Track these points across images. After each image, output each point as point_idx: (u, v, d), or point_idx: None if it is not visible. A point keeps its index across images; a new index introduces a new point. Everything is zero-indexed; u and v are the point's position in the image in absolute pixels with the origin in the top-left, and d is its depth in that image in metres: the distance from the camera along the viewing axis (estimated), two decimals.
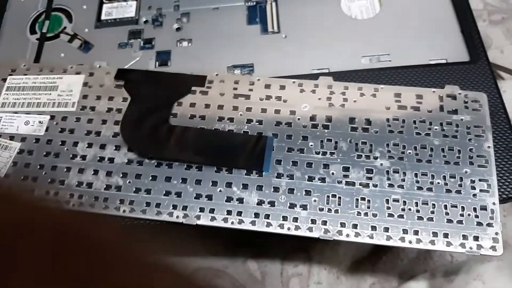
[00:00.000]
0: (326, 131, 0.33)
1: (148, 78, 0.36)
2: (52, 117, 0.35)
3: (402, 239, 0.29)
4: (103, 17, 0.43)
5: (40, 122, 0.35)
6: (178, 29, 0.41)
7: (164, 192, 0.31)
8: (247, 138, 0.33)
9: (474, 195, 0.30)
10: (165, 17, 0.42)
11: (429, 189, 0.30)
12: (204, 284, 0.18)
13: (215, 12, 0.42)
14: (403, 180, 0.31)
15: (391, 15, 0.41)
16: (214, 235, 0.36)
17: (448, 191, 0.30)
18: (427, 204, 0.30)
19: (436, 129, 0.32)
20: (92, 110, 0.35)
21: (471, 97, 0.33)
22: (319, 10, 0.41)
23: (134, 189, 0.32)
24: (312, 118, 0.33)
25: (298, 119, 0.33)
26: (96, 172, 0.33)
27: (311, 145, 0.32)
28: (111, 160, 0.33)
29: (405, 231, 0.29)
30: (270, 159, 0.32)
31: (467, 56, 0.38)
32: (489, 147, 0.32)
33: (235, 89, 0.35)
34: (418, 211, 0.30)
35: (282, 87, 0.35)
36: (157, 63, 0.40)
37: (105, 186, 0.32)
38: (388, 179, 0.31)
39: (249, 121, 0.34)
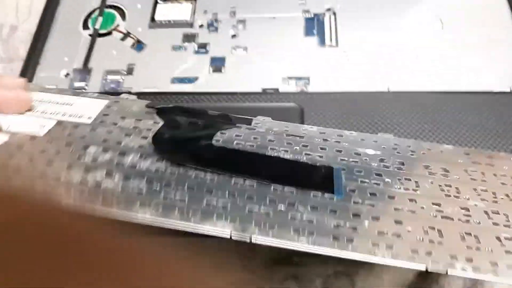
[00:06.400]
0: (400, 171, 0.29)
1: (188, 114, 0.31)
2: (59, 124, 0.30)
3: None
4: (157, 17, 0.42)
5: (42, 125, 0.29)
6: (233, 36, 0.40)
7: (205, 203, 0.25)
8: (312, 166, 0.28)
9: None
10: (221, 22, 0.41)
11: None
12: None
13: (272, 21, 0.41)
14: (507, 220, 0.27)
15: (453, 37, 0.40)
16: (253, 249, 0.35)
17: None
18: None
19: None
20: (114, 124, 0.30)
21: None
22: (379, 27, 0.40)
23: (163, 196, 0.26)
24: (382, 160, 0.29)
25: (365, 159, 0.29)
26: (109, 173, 0.26)
27: (388, 181, 0.28)
28: (133, 166, 0.27)
29: None
30: (341, 185, 0.27)
31: None
32: None
33: (286, 130, 0.31)
34: None
35: (340, 135, 0.31)
36: (211, 68, 0.39)
37: (120, 189, 0.26)
38: (490, 218, 0.27)
39: (308, 154, 0.29)
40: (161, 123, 0.30)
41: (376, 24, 0.41)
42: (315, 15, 0.41)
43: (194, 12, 0.42)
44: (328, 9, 0.42)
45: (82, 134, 0.29)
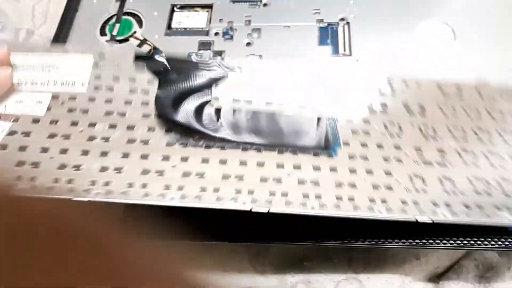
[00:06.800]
0: (385, 114, 0.30)
1: (177, 65, 0.32)
2: (55, 97, 0.29)
3: None
4: (173, 25, 0.43)
5: (38, 101, 0.29)
6: (248, 44, 0.41)
7: (222, 176, 0.26)
8: (308, 120, 0.29)
9: None
10: (236, 31, 0.42)
11: None
12: None
13: (286, 30, 0.42)
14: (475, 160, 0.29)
15: (466, 46, 0.40)
16: (263, 253, 0.35)
17: None
18: None
19: None
20: (110, 90, 0.29)
21: None
22: (392, 36, 0.41)
23: (182, 173, 0.26)
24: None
25: (352, 99, 0.31)
26: (126, 155, 0.26)
27: (375, 128, 0.29)
28: (145, 142, 0.27)
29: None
30: (337, 140, 0.28)
31: None
32: None
33: (275, 69, 0.32)
34: None
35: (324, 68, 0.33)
36: None
37: (141, 171, 0.26)
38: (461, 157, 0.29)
39: (302, 107, 0.30)
40: (155, 82, 0.30)
41: (390, 33, 0.41)
42: (329, 24, 0.42)
43: (210, 20, 0.43)
44: (342, 19, 0.42)
45: (83, 107, 0.29)
